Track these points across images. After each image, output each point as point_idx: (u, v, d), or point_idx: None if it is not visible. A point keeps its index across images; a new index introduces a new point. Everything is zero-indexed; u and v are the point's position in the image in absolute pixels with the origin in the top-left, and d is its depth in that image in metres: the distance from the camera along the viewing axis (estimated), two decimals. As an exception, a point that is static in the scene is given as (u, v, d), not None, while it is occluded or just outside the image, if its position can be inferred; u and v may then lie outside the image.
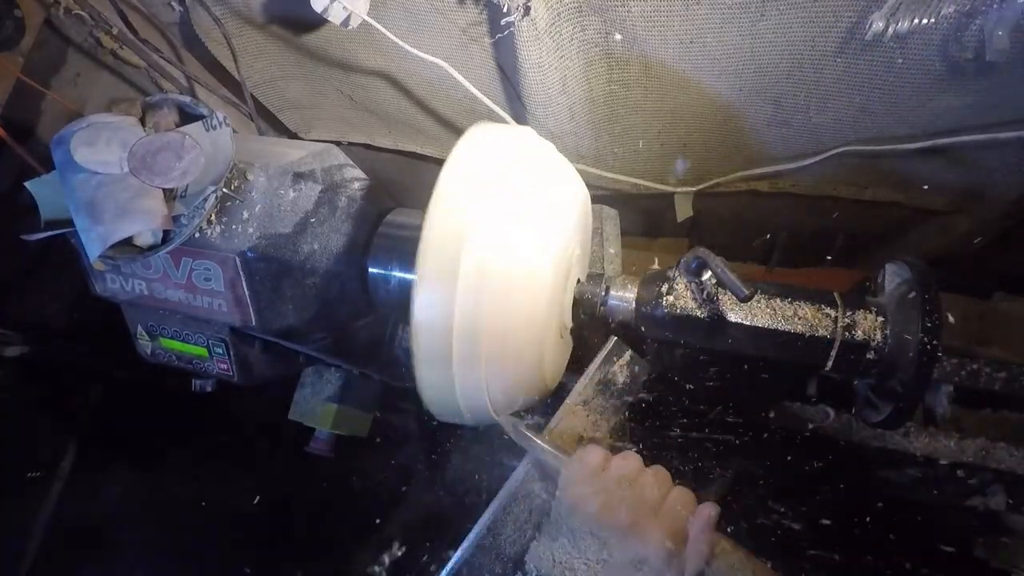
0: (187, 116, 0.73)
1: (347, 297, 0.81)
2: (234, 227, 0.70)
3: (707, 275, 0.71)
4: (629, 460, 0.67)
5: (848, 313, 0.73)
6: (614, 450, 0.70)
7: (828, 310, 0.73)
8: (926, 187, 1.16)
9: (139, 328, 0.86)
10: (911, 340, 0.70)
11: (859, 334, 0.72)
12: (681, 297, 0.74)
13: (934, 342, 0.69)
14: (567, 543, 0.65)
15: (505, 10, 0.83)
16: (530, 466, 0.71)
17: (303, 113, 1.37)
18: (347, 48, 1.10)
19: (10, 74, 0.98)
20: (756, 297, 0.73)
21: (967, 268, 1.30)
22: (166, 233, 0.67)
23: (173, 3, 1.09)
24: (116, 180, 0.66)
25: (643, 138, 1.14)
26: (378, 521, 1.39)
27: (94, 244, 0.64)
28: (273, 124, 1.40)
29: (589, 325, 0.87)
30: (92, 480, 1.64)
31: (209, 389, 0.91)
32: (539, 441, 0.70)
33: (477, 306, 0.66)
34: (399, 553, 1.13)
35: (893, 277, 0.78)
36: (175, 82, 1.21)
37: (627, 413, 0.84)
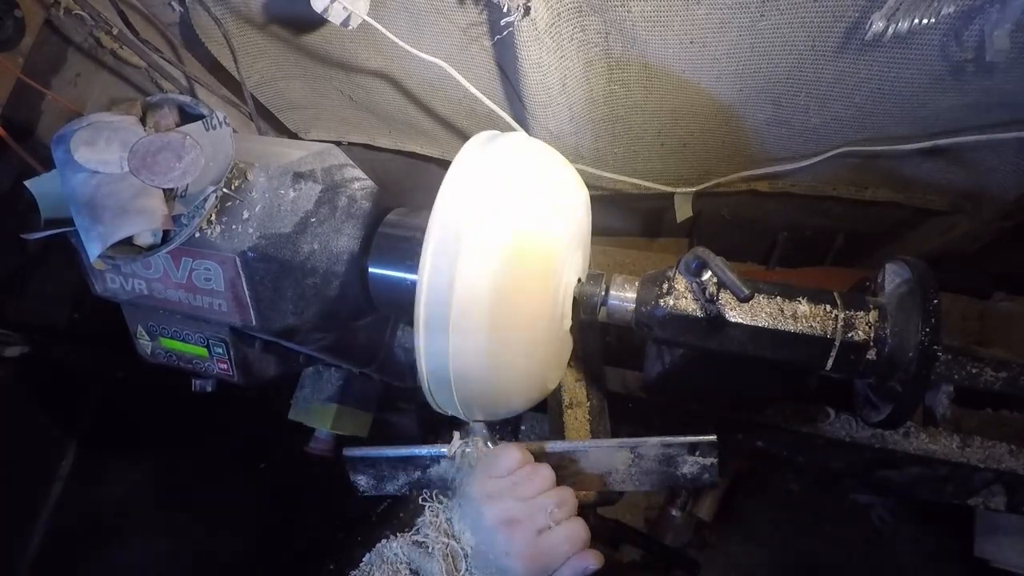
0: (187, 116, 0.73)
1: (347, 297, 0.81)
2: (234, 227, 0.70)
3: (707, 275, 0.71)
4: (537, 476, 0.67)
5: (848, 313, 0.73)
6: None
7: (828, 310, 0.73)
8: (926, 187, 1.16)
9: (139, 328, 0.86)
10: (911, 340, 0.70)
11: (859, 334, 0.72)
12: (681, 297, 0.74)
13: (934, 342, 0.69)
14: (456, 519, 0.67)
15: (505, 10, 0.83)
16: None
17: (303, 113, 1.37)
18: (347, 48, 1.10)
19: (10, 74, 0.98)
20: (756, 297, 0.73)
21: (967, 268, 1.30)
22: (166, 233, 0.67)
23: (173, 3, 1.09)
24: (116, 180, 0.66)
25: (643, 138, 1.14)
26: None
27: (94, 244, 0.64)
28: (273, 124, 1.40)
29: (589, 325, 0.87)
30: (92, 480, 1.64)
31: (209, 389, 0.91)
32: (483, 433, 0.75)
33: (478, 307, 0.66)
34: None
35: (893, 277, 0.78)
36: (175, 82, 1.21)
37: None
